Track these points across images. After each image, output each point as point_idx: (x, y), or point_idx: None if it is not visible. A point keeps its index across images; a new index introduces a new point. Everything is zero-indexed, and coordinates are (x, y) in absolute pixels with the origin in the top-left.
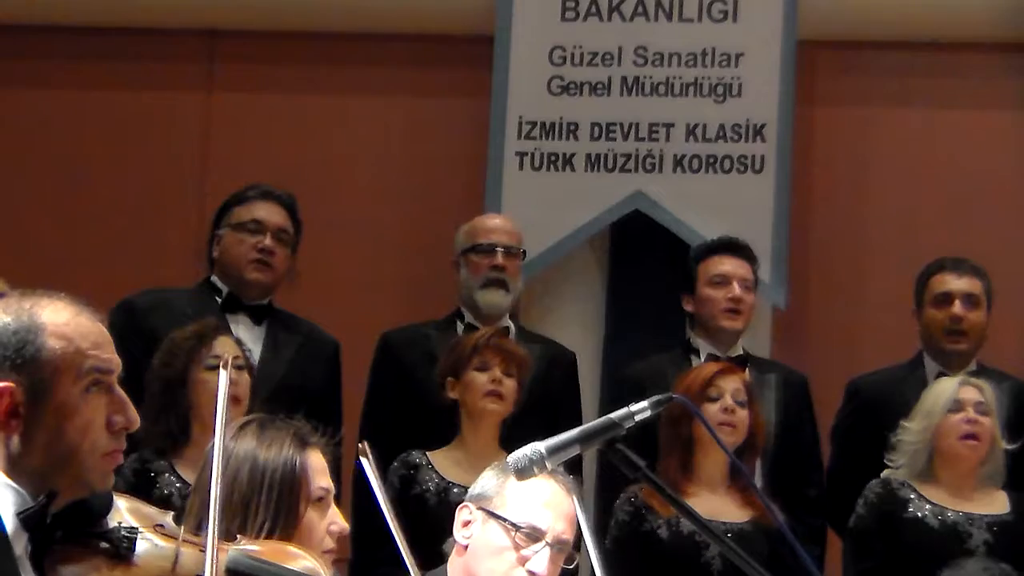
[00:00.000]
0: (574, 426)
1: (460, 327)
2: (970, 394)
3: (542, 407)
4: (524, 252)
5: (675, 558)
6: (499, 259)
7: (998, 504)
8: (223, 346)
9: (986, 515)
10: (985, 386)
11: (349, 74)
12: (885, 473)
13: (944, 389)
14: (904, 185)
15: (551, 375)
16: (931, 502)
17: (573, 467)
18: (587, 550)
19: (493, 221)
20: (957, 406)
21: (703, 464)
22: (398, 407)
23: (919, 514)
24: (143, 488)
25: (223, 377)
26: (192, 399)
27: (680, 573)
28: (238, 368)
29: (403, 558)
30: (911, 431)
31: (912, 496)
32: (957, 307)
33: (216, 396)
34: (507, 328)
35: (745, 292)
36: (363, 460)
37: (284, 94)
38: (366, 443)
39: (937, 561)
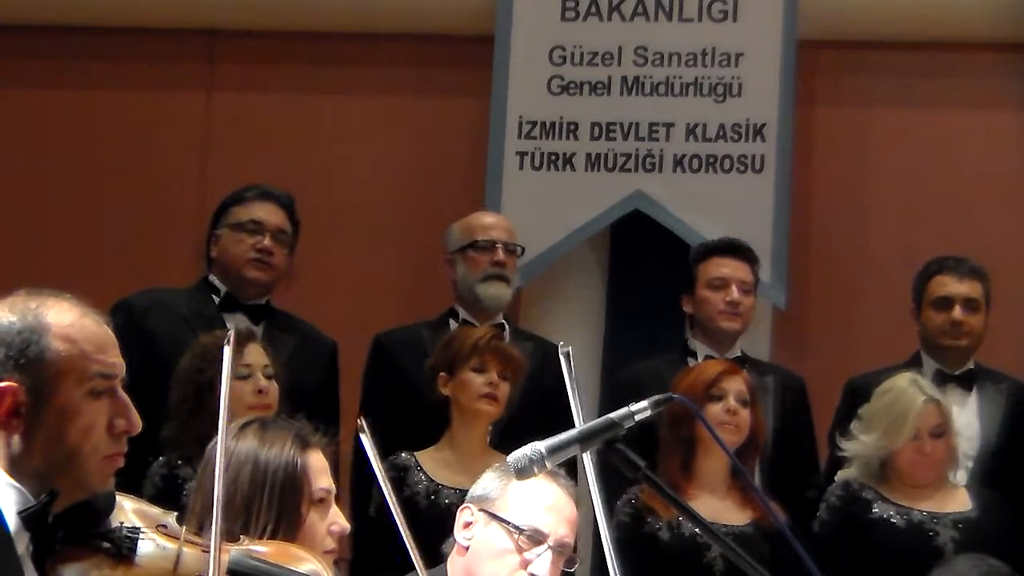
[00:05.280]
0: (570, 422)
1: (454, 326)
2: (930, 420)
3: (537, 405)
4: (523, 249)
5: (676, 560)
6: (500, 255)
7: (960, 501)
8: (252, 354)
9: (950, 513)
10: (942, 400)
11: (349, 74)
12: (841, 475)
13: (905, 411)
14: (904, 185)
15: (544, 372)
16: (894, 503)
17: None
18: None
19: (489, 219)
20: (916, 433)
21: (704, 466)
22: (393, 409)
23: (884, 515)
24: (170, 494)
25: (226, 353)
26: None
27: (682, 575)
28: (268, 377)
29: (404, 540)
30: (864, 443)
31: (874, 497)
32: (958, 312)
33: (246, 404)
34: (501, 326)
35: (744, 295)
36: (362, 437)
37: (284, 94)
38: (362, 419)
39: (905, 561)
